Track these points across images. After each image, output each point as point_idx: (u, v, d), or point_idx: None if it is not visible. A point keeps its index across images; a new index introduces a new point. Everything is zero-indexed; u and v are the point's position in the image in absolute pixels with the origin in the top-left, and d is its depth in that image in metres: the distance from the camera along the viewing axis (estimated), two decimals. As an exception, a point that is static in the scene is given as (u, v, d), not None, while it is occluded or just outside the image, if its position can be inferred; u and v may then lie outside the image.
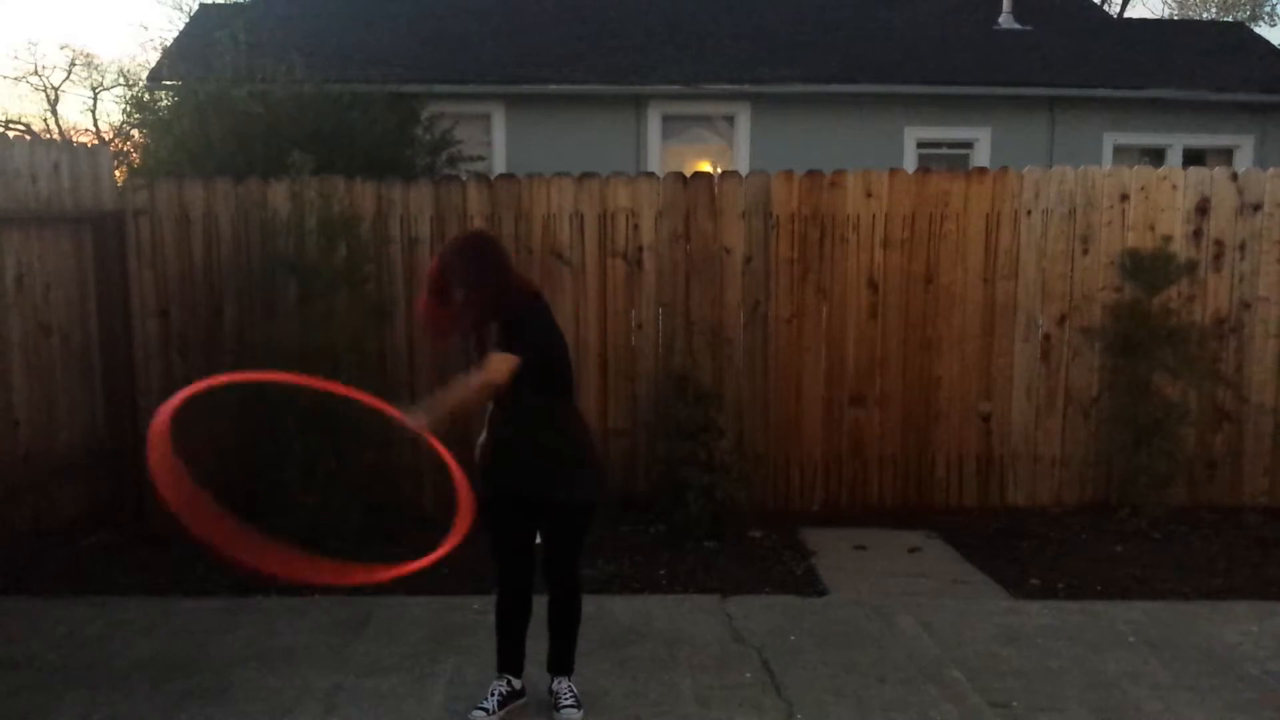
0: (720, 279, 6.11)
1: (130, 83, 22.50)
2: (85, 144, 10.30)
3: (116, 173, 6.76)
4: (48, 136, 22.20)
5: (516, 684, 3.60)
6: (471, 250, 3.35)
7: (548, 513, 3.43)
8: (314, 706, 3.66)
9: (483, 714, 3.48)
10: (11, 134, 6.00)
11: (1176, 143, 12.12)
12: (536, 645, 3.63)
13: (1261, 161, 11.45)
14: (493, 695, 3.54)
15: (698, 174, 6.26)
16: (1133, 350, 5.94)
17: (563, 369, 3.44)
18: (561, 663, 3.60)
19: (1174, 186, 6.13)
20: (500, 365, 3.26)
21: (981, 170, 6.27)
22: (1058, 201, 6.13)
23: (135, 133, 10.23)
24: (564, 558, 3.50)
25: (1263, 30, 31.27)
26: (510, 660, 3.60)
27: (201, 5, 14.77)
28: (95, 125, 25.05)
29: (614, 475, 6.06)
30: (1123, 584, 4.98)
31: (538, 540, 3.52)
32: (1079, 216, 6.13)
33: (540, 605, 3.57)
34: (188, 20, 15.68)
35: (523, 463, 3.40)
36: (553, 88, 11.67)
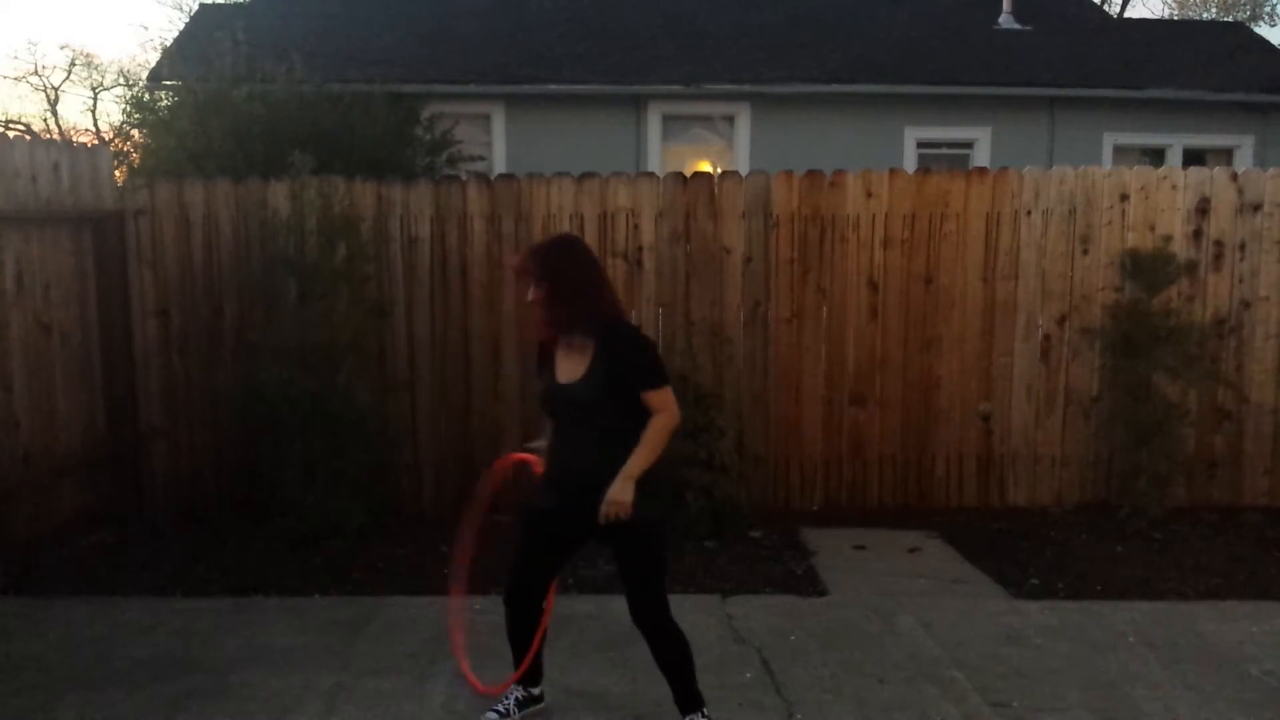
0: (720, 279, 6.11)
1: (130, 83, 22.53)
2: (85, 144, 10.26)
3: (116, 173, 6.75)
4: (48, 136, 22.19)
5: (535, 690, 3.54)
6: (566, 253, 3.26)
7: (612, 538, 3.21)
8: (314, 706, 3.66)
9: (496, 716, 3.44)
10: (11, 134, 5.99)
11: (1176, 143, 12.12)
12: (552, 651, 3.62)
13: (1261, 161, 11.46)
14: (508, 698, 3.48)
15: (698, 174, 6.26)
16: (1133, 350, 5.94)
17: None
18: (680, 702, 3.31)
19: (1174, 186, 6.13)
20: (671, 401, 3.18)
21: (981, 170, 6.27)
22: (1058, 201, 6.13)
23: (135, 133, 10.21)
24: (642, 588, 3.23)
25: (1263, 30, 31.31)
26: (525, 670, 3.51)
27: (201, 5, 14.77)
28: (95, 125, 25.09)
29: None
30: (1123, 584, 4.98)
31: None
32: (1079, 217, 6.13)
33: (556, 605, 3.53)
34: (188, 20, 15.67)
35: (596, 486, 3.13)
36: (553, 88, 11.67)
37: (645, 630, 3.25)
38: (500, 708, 3.46)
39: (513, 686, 3.52)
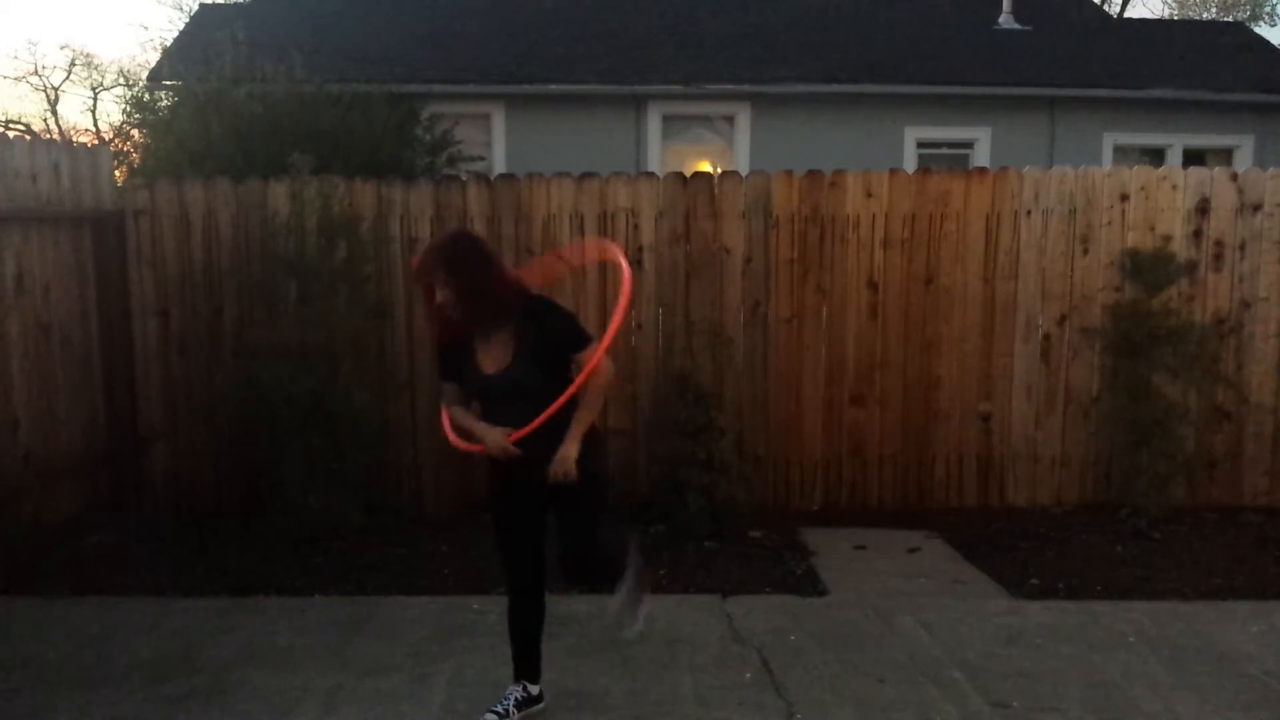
0: (720, 279, 6.11)
1: (130, 83, 22.56)
2: (85, 144, 10.29)
3: (116, 173, 6.76)
4: (48, 136, 22.21)
5: (534, 690, 3.55)
6: (467, 247, 3.26)
7: (560, 491, 3.29)
8: (314, 706, 3.66)
9: (495, 716, 3.44)
10: (11, 134, 5.99)
11: (1176, 143, 12.12)
12: (552, 651, 3.63)
13: (1261, 161, 11.46)
14: (508, 698, 3.49)
15: (698, 174, 6.26)
16: (1133, 350, 5.94)
17: None
18: (613, 579, 3.55)
19: (1174, 186, 6.13)
20: (605, 360, 3.28)
21: (981, 170, 6.27)
22: (1058, 201, 6.12)
23: (135, 133, 10.24)
24: (586, 535, 3.36)
25: (1263, 30, 31.30)
26: (526, 666, 3.54)
27: (201, 5, 14.78)
28: (95, 125, 25.13)
29: (614, 475, 6.06)
30: (1123, 584, 4.98)
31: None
32: (1079, 216, 6.12)
33: (556, 605, 3.55)
34: (188, 20, 15.68)
35: (546, 446, 3.24)
36: (553, 88, 11.67)
37: (583, 573, 3.49)
38: (500, 708, 3.46)
39: (512, 686, 3.53)
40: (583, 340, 3.30)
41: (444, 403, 3.45)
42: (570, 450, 3.22)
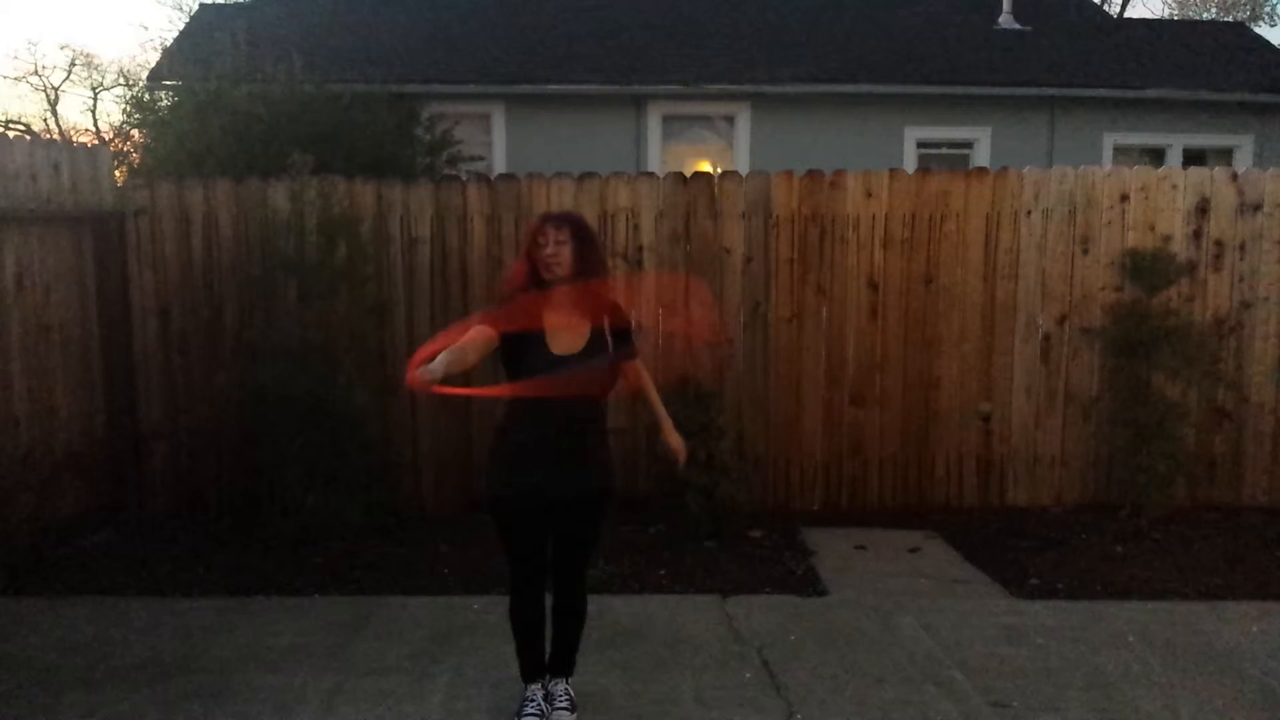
0: (720, 279, 6.11)
1: (130, 83, 22.52)
2: (85, 144, 10.27)
3: (116, 173, 6.75)
4: (48, 136, 22.19)
5: (533, 689, 3.53)
6: (589, 225, 3.44)
7: (580, 509, 3.36)
8: (314, 706, 3.66)
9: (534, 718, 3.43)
10: (11, 134, 5.99)
11: (1176, 143, 12.11)
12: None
13: (1261, 161, 11.46)
14: (531, 701, 3.47)
15: (698, 174, 6.26)
16: (1133, 350, 5.95)
17: None
18: (564, 664, 3.56)
19: (1174, 186, 6.13)
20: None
21: (981, 170, 6.27)
22: (1058, 202, 6.13)
23: (135, 133, 10.20)
24: (585, 557, 3.48)
25: (1263, 30, 31.30)
26: (538, 667, 3.53)
27: (201, 5, 14.77)
28: (95, 125, 25.06)
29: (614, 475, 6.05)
30: (1123, 584, 4.98)
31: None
32: (1079, 217, 6.13)
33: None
34: (188, 20, 15.66)
35: (590, 458, 3.37)
36: (553, 87, 11.67)
37: (578, 602, 3.49)
38: (531, 708, 3.44)
39: (531, 687, 3.49)
40: (634, 350, 3.49)
41: (447, 350, 3.07)
42: (676, 438, 3.57)
